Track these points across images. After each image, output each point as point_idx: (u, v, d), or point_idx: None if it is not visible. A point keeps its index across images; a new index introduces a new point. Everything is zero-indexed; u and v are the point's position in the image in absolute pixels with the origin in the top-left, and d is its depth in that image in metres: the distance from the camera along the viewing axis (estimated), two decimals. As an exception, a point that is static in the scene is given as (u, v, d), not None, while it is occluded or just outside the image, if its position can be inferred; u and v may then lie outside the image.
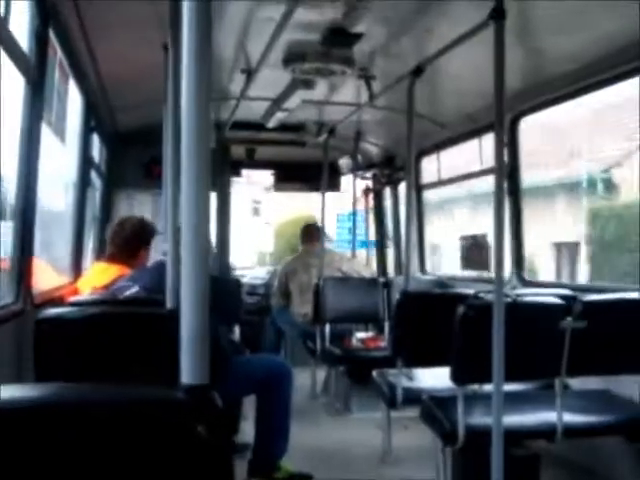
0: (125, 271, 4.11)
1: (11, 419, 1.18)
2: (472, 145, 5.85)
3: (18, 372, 3.07)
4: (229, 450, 1.52)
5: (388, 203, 7.72)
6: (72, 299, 3.59)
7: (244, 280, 8.88)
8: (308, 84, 4.71)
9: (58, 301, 3.87)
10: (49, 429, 1.18)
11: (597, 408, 3.70)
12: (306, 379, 6.55)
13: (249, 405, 4.55)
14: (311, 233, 7.30)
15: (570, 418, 3.44)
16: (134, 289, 3.46)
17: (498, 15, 3.04)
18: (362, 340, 6.01)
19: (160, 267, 3.80)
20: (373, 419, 5.21)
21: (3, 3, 2.70)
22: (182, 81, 1.44)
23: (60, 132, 3.75)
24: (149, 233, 4.45)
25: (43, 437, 1.17)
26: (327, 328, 6.15)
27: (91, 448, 1.18)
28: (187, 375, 1.30)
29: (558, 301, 3.43)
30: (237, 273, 9.73)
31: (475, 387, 3.64)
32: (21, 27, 3.06)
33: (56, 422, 1.19)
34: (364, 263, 7.37)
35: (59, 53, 3.53)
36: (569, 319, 3.31)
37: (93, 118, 5.11)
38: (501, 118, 3.13)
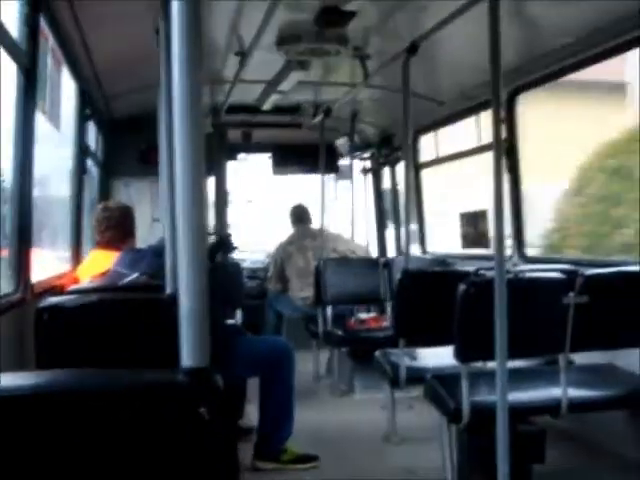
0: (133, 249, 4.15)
1: (13, 406, 1.18)
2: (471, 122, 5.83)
3: (20, 361, 3.08)
4: (232, 431, 1.51)
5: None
6: (71, 287, 3.59)
7: (244, 264, 8.88)
8: (303, 65, 4.68)
9: (58, 290, 3.86)
10: (51, 415, 1.19)
11: (601, 382, 3.70)
12: (309, 362, 6.55)
13: (253, 389, 4.55)
14: (301, 214, 7.27)
15: (574, 393, 3.44)
16: (134, 275, 3.45)
17: (493, -11, 3.01)
18: (364, 320, 6.00)
19: (157, 252, 3.82)
20: (377, 399, 5.21)
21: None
22: (173, 65, 1.42)
23: (55, 120, 3.72)
24: (133, 217, 4.48)
25: (45, 423, 1.18)
26: (329, 310, 6.14)
27: (93, 433, 1.18)
28: (187, 358, 1.30)
29: (560, 276, 3.42)
30: (237, 257, 9.72)
31: (479, 364, 3.63)
32: (11, 15, 3.03)
33: (58, 408, 1.19)
34: (359, 243, 7.33)
35: (51, 40, 3.50)
36: (571, 294, 3.30)
37: (88, 106, 5.08)
38: (497, 94, 3.09)
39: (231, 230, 7.29)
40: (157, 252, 3.81)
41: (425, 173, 6.96)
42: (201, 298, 1.32)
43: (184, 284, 1.33)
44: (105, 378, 1.24)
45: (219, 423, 1.21)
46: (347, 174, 8.05)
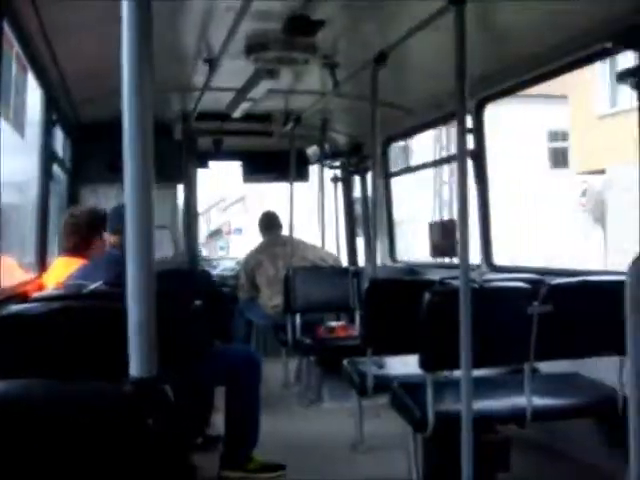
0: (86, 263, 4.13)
1: None
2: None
3: None
4: (186, 441, 1.50)
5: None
6: (35, 295, 3.55)
7: (214, 272, 8.85)
8: (272, 73, 4.67)
9: (22, 297, 3.82)
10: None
11: (566, 391, 3.73)
12: (278, 370, 6.54)
13: (220, 398, 4.52)
14: (271, 222, 7.26)
15: (540, 402, 3.46)
16: (97, 283, 3.43)
17: (458, 0, 3.03)
18: (333, 329, 6.00)
19: (111, 260, 3.82)
20: (345, 408, 5.21)
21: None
22: (123, 70, 1.41)
23: (19, 127, 3.69)
24: (101, 222, 4.44)
25: None
26: (298, 318, 6.13)
27: (41, 443, 1.16)
28: (135, 368, 1.28)
29: (524, 285, 3.44)
30: (206, 265, 9.70)
31: (445, 373, 3.64)
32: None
33: (4, 419, 1.17)
34: (328, 251, 7.33)
35: (15, 46, 3.46)
36: (535, 303, 3.32)
37: (55, 111, 5.03)
38: (463, 104, 3.12)
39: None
40: (111, 260, 3.82)
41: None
42: (149, 308, 1.30)
43: (132, 294, 1.31)
44: (53, 389, 1.23)
45: (170, 433, 1.19)
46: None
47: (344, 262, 7.59)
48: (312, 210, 6.89)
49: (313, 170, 7.94)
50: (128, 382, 1.24)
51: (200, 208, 7.70)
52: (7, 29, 3.24)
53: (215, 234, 41.02)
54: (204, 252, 22.90)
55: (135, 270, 1.32)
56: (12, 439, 1.17)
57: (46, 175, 4.89)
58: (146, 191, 1.37)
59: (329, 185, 7.68)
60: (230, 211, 40.92)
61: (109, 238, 4.22)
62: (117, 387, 1.22)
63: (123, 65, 1.42)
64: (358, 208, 7.89)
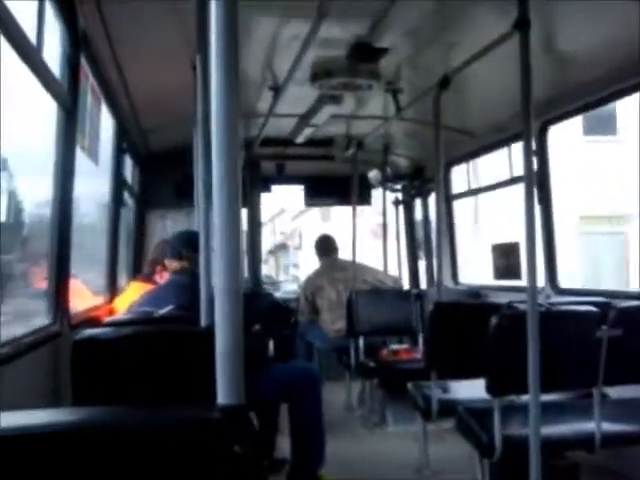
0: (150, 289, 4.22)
1: (48, 444, 1.19)
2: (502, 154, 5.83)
3: (56, 395, 3.11)
4: (263, 466, 1.52)
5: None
6: (108, 319, 3.64)
7: (276, 294, 8.92)
8: (335, 99, 4.74)
9: (95, 321, 3.92)
10: (85, 454, 1.19)
11: (636, 416, 3.65)
12: (341, 393, 6.55)
13: (285, 421, 4.56)
14: (328, 245, 7.31)
15: (609, 427, 3.40)
16: (168, 307, 3.50)
17: (522, 24, 3.04)
18: (396, 352, 5.99)
19: (179, 285, 3.87)
20: (410, 431, 5.19)
21: (36, 31, 2.75)
22: (211, 100, 1.46)
23: (94, 155, 3.81)
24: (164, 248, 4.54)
25: (79, 462, 1.18)
26: (361, 341, 6.14)
27: (128, 472, 1.19)
28: (223, 395, 1.32)
29: (592, 309, 3.40)
30: (269, 288, 9.78)
31: (512, 398, 3.62)
32: (52, 54, 3.11)
33: (93, 447, 1.19)
34: (388, 273, 7.34)
35: (90, 78, 3.59)
36: (604, 327, 3.29)
37: (125, 140, 5.18)
38: (529, 126, 3.12)
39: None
40: (179, 285, 3.88)
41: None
42: (237, 334, 1.34)
43: (220, 319, 1.35)
44: (139, 417, 1.25)
45: (252, 461, 1.22)
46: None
47: (405, 284, 7.59)
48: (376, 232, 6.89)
49: (375, 194, 7.98)
50: (216, 409, 1.28)
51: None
52: (83, 61, 3.37)
53: (279, 249, 36.74)
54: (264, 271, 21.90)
55: (223, 297, 1.36)
56: (94, 468, 1.19)
57: (117, 201, 5.03)
58: (235, 215, 1.40)
59: (391, 208, 7.71)
60: (302, 219, 33.65)
61: (171, 264, 4.20)
62: (205, 414, 1.25)
63: (212, 91, 1.47)
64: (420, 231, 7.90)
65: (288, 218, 36.20)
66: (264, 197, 7.50)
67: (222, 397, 1.31)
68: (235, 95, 1.47)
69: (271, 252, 35.62)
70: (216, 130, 1.45)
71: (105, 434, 1.21)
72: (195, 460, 1.17)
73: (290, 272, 29.70)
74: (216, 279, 1.39)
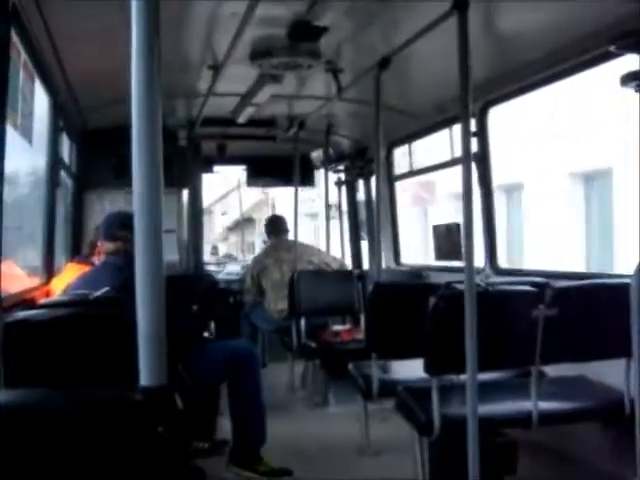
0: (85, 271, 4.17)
1: None
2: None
3: None
4: (189, 448, 1.52)
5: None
6: (42, 301, 3.56)
7: (218, 276, 8.87)
8: (276, 78, 4.70)
9: (29, 303, 3.83)
10: (9, 436, 1.17)
11: (573, 394, 3.72)
12: (284, 374, 6.56)
13: (226, 403, 4.54)
14: (278, 225, 7.29)
15: (546, 405, 3.46)
16: (104, 289, 3.43)
17: (461, 5, 3.05)
18: (338, 333, 6.00)
19: (114, 266, 3.83)
20: (351, 412, 5.21)
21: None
22: (131, 79, 1.42)
23: (27, 134, 3.70)
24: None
25: (3, 443, 1.17)
26: (303, 322, 6.13)
27: (52, 453, 1.17)
28: (145, 377, 1.29)
29: (530, 289, 3.44)
30: (211, 269, 9.72)
31: (451, 377, 3.65)
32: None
33: (17, 428, 1.18)
34: (334, 255, 7.35)
35: (23, 54, 3.47)
36: (541, 306, 3.33)
37: (61, 118, 5.05)
38: (467, 107, 3.13)
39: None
40: (113, 267, 3.83)
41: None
42: (159, 316, 1.31)
43: (141, 302, 1.32)
44: (63, 398, 1.23)
45: (177, 441, 1.20)
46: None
47: (348, 264, 7.60)
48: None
49: (319, 176, 7.97)
50: (139, 391, 1.25)
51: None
52: (14, 37, 3.26)
53: (244, 224, 34.06)
54: (223, 251, 21.38)
55: (144, 278, 1.33)
56: (20, 448, 1.17)
57: (53, 181, 4.92)
58: (155, 197, 1.37)
59: (333, 189, 7.70)
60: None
61: (105, 245, 4.13)
62: (128, 395, 1.23)
63: (132, 72, 1.43)
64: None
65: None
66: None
67: (144, 379, 1.28)
68: (156, 74, 1.42)
69: (231, 229, 33.77)
70: (136, 109, 1.41)
71: (28, 416, 1.19)
72: (118, 441, 1.16)
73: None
74: (137, 264, 1.36)
